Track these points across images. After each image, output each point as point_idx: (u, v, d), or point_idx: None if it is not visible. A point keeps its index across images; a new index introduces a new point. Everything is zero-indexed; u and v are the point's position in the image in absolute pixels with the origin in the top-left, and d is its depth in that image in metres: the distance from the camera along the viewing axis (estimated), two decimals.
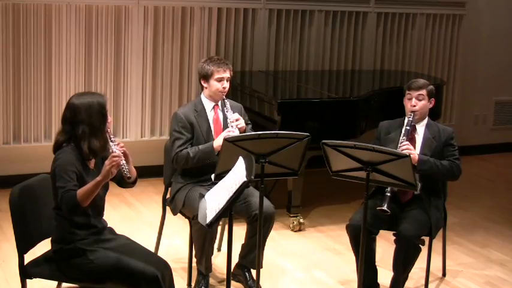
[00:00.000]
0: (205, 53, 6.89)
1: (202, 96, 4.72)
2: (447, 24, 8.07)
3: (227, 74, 4.63)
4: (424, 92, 4.58)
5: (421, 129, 4.62)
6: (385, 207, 4.32)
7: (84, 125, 3.61)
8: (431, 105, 4.64)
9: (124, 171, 3.66)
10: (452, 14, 8.06)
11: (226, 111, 4.59)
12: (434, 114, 6.25)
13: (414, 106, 4.56)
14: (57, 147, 3.68)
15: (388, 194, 4.36)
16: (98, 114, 3.64)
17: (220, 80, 4.60)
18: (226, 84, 4.63)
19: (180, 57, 6.85)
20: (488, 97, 8.55)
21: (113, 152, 3.61)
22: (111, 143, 3.65)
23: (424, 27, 7.94)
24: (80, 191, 3.51)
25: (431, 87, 4.64)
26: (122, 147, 3.67)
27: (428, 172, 4.45)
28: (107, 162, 3.54)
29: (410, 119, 4.54)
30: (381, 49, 7.78)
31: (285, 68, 7.34)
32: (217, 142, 4.48)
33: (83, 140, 3.61)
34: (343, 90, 7.47)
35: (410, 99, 4.59)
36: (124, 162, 3.64)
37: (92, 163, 3.73)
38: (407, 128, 4.51)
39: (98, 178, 3.54)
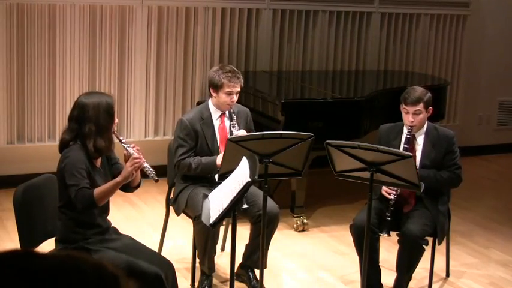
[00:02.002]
0: (209, 53, 6.90)
1: (210, 104, 4.69)
2: (451, 25, 8.07)
3: (237, 89, 4.58)
4: (420, 106, 4.42)
5: (420, 137, 4.54)
6: (385, 234, 4.35)
7: (91, 123, 3.61)
8: (429, 114, 4.53)
9: (150, 173, 3.64)
10: (456, 15, 8.05)
11: (233, 127, 4.56)
12: (438, 114, 6.25)
13: (412, 122, 4.44)
14: (63, 146, 3.67)
15: (389, 219, 4.36)
16: (105, 114, 3.64)
17: (229, 93, 4.57)
18: (235, 98, 4.60)
19: (184, 57, 6.85)
20: (492, 97, 8.54)
21: (129, 153, 3.61)
22: (125, 145, 3.64)
23: (428, 28, 7.94)
24: (98, 190, 3.52)
25: (427, 97, 4.47)
26: (138, 150, 3.66)
27: (428, 187, 4.45)
28: (128, 163, 3.56)
29: (409, 136, 4.43)
30: (384, 49, 7.77)
31: (289, 68, 7.34)
32: (220, 160, 4.40)
33: (89, 138, 3.61)
34: (346, 90, 7.47)
35: (407, 113, 4.45)
36: (147, 164, 3.63)
37: (98, 162, 3.73)
38: (406, 146, 4.41)
39: (118, 179, 3.55)
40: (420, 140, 4.55)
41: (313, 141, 4.08)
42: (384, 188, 4.42)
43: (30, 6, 6.20)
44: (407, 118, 4.45)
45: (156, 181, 3.67)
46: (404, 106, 4.46)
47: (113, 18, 6.52)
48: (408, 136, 4.45)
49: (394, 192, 4.39)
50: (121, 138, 3.71)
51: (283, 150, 4.02)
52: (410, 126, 4.46)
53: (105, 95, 3.78)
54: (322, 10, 7.35)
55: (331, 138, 4.05)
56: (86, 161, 3.61)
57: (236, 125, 4.56)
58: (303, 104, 5.87)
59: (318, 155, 4.93)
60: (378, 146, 3.94)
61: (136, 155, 3.61)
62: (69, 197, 3.56)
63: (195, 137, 4.59)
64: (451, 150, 4.54)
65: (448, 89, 7.15)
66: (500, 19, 8.37)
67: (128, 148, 3.64)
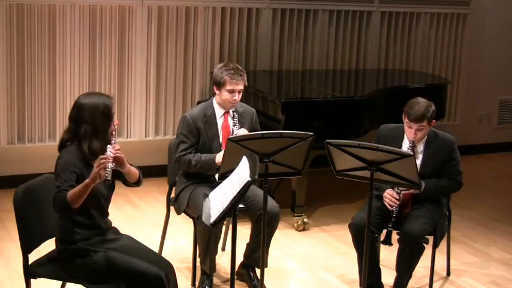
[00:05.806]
0: (209, 52, 6.90)
1: (214, 102, 4.67)
2: (451, 23, 8.06)
3: (240, 87, 4.56)
4: (424, 122, 4.39)
5: (420, 146, 4.51)
6: (386, 245, 4.38)
7: (87, 124, 3.57)
8: (431, 127, 4.50)
9: (106, 174, 3.47)
10: (456, 13, 8.05)
11: (234, 126, 4.54)
12: (438, 114, 6.23)
13: (415, 137, 4.41)
14: (61, 146, 3.66)
15: (391, 230, 4.37)
16: (101, 116, 3.60)
17: (231, 91, 4.55)
18: (238, 97, 4.56)
19: (184, 57, 6.86)
20: (493, 96, 8.54)
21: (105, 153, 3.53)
22: (108, 145, 3.57)
23: (428, 26, 7.93)
24: (70, 192, 3.46)
25: (431, 112, 4.41)
26: (117, 150, 3.57)
27: (430, 196, 4.47)
28: (95, 164, 3.47)
29: (410, 150, 4.35)
30: (385, 48, 7.77)
31: (289, 68, 7.34)
32: (219, 158, 4.40)
33: (84, 139, 3.57)
34: (347, 89, 7.47)
35: (409, 127, 4.41)
36: (111, 165, 3.50)
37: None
38: None
39: (87, 180, 3.47)
40: (420, 149, 4.52)
41: (313, 140, 4.07)
42: (387, 196, 4.41)
43: (30, 6, 6.20)
44: (410, 133, 4.42)
45: (108, 181, 3.51)
46: (407, 121, 4.43)
47: (112, 18, 6.52)
48: (409, 150, 4.37)
49: (396, 205, 4.38)
50: (112, 140, 3.61)
51: (283, 149, 4.01)
52: (412, 141, 4.43)
53: (104, 96, 3.73)
54: (322, 9, 7.36)
55: (331, 138, 4.05)
56: (78, 162, 3.56)
57: (237, 124, 4.54)
58: (303, 103, 5.87)
59: (318, 154, 4.92)
60: (378, 145, 3.94)
61: (106, 154, 3.50)
62: None
63: (197, 134, 4.58)
64: (451, 157, 4.52)
65: (448, 87, 7.15)
66: (500, 17, 8.36)
67: (108, 148, 3.55)
